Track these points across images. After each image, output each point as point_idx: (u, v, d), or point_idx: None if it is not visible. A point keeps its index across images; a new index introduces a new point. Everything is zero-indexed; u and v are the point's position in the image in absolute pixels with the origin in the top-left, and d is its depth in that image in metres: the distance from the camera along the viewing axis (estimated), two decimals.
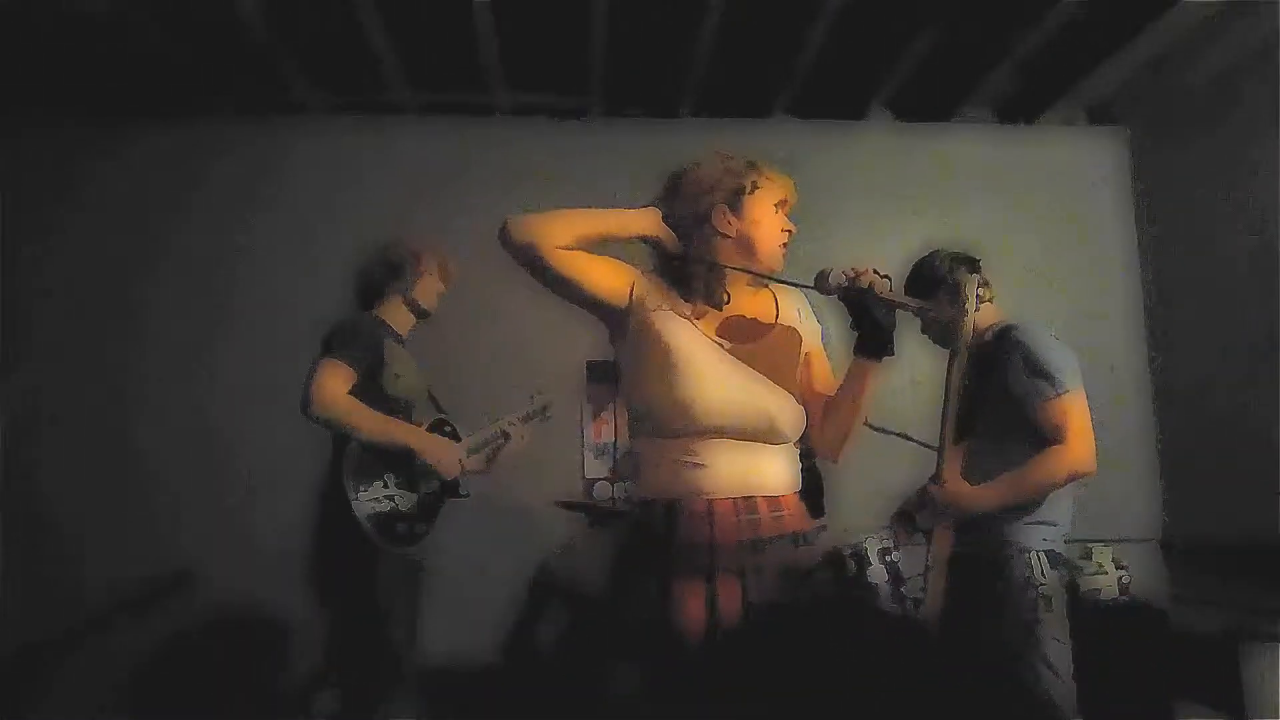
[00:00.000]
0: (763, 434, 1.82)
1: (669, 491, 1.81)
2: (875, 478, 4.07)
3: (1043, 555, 2.49)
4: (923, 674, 2.37)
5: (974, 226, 4.18)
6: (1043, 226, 5.09)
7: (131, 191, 4.78)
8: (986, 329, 2.63)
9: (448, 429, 3.10)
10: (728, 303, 1.89)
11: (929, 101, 5.11)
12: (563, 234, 1.80)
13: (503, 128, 5.11)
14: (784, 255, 1.94)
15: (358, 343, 2.85)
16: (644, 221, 1.90)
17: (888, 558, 3.60)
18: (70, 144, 4.78)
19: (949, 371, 2.32)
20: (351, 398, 2.76)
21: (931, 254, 2.74)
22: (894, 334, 1.83)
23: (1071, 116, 5.32)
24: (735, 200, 1.86)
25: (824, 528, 3.51)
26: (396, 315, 3.07)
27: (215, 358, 4.58)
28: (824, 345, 2.04)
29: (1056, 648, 2.44)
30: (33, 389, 4.51)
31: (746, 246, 1.88)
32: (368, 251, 3.15)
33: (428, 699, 3.06)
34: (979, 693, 2.42)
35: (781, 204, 1.92)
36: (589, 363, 4.63)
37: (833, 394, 1.94)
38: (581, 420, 4.75)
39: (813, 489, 4.01)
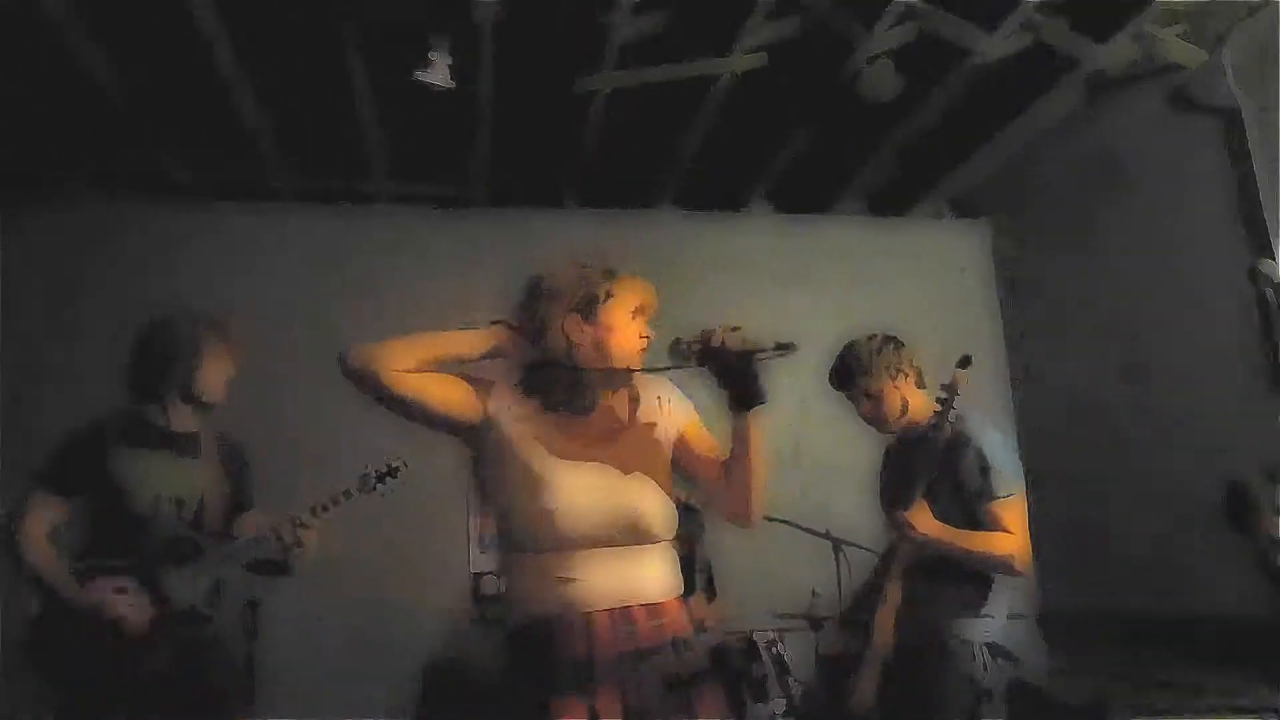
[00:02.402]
0: (633, 535, 1.80)
1: (544, 608, 1.76)
2: (762, 566, 4.12)
3: (984, 647, 2.51)
4: None
5: (850, 313, 4.32)
6: (913, 314, 5.29)
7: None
8: (916, 412, 2.70)
9: (184, 546, 2.68)
10: (592, 408, 1.89)
11: (806, 194, 5.32)
12: (403, 358, 1.78)
13: (384, 215, 5.08)
14: (641, 360, 1.93)
15: (67, 469, 2.62)
16: (488, 341, 1.89)
17: (774, 649, 3.60)
18: (60, 220, 4.67)
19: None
20: (45, 546, 2.55)
21: (852, 344, 2.80)
22: (759, 382, 1.83)
23: (938, 210, 5.62)
24: (589, 308, 1.86)
25: (704, 629, 3.50)
26: (173, 412, 2.73)
27: None
28: (702, 420, 2.02)
29: None
30: None
31: (602, 352, 1.87)
32: (139, 332, 2.76)
33: None
34: None
35: (638, 310, 1.93)
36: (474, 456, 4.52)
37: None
38: (467, 513, 4.61)
39: (702, 573, 4.01)
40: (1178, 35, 3.90)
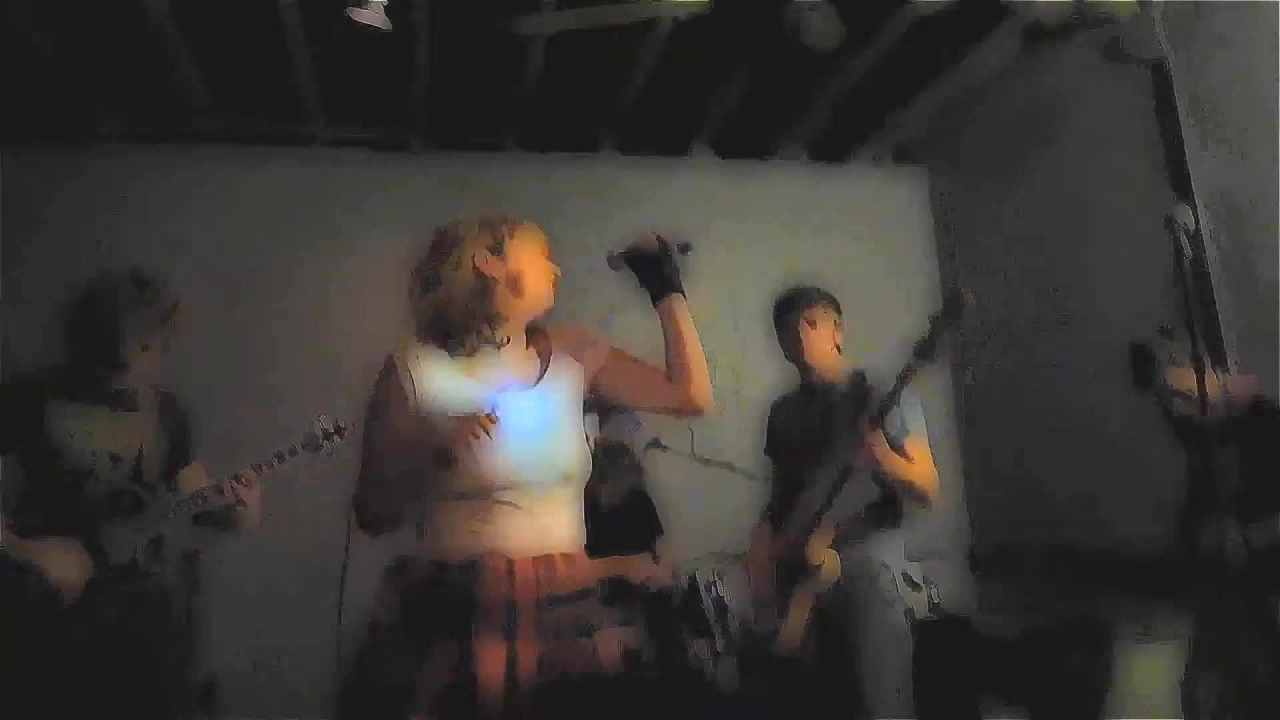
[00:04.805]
0: (554, 476, 1.86)
1: (466, 552, 1.79)
2: (700, 509, 4.21)
3: (903, 574, 2.79)
4: None
5: (791, 259, 4.37)
6: (852, 260, 5.37)
7: None
8: (831, 369, 2.96)
9: (125, 500, 2.64)
10: (505, 344, 1.93)
11: (748, 140, 5.33)
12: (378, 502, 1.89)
13: (321, 160, 4.98)
14: (552, 294, 1.99)
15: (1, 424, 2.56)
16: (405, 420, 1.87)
17: (714, 590, 3.71)
18: None
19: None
20: None
21: (800, 285, 3.02)
22: (674, 271, 1.99)
23: (878, 156, 5.67)
24: (498, 246, 1.91)
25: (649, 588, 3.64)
26: (112, 368, 2.65)
27: None
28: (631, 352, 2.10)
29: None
30: None
31: (515, 286, 1.91)
32: (85, 290, 2.65)
33: None
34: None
35: (544, 249, 1.99)
36: None
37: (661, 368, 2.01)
38: None
39: (645, 513, 4.09)
40: None
